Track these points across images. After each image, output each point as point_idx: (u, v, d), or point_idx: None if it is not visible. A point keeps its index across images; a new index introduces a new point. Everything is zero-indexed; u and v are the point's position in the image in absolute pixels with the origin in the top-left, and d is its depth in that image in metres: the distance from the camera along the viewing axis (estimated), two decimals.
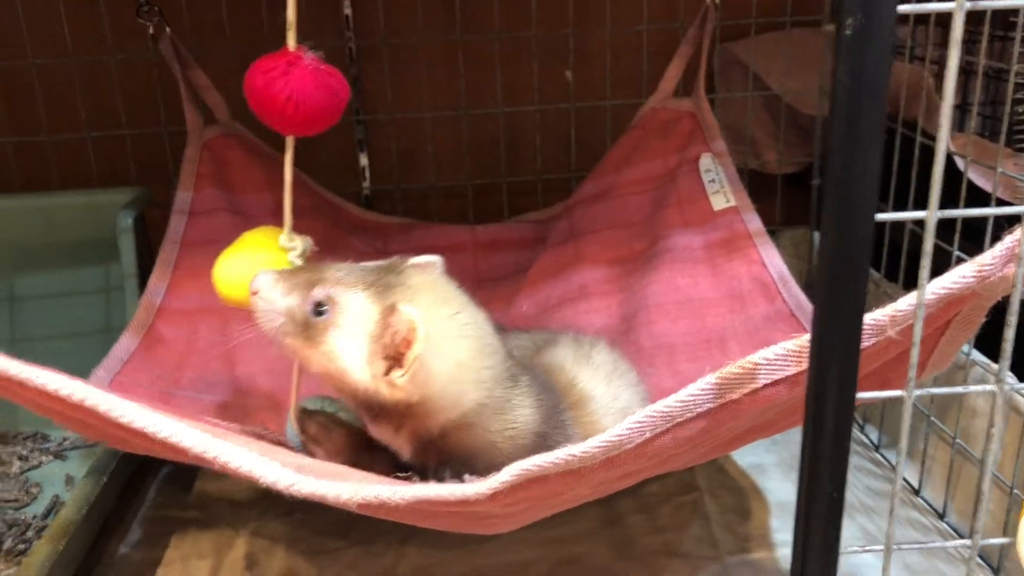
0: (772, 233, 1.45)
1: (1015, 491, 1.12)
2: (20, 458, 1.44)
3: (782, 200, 1.78)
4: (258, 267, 0.96)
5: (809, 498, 0.57)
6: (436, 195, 1.82)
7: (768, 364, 0.72)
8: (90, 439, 1.05)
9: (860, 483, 1.36)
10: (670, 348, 1.31)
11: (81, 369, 0.80)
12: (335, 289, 0.92)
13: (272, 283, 0.93)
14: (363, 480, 0.79)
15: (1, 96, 1.72)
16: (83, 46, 1.64)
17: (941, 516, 1.27)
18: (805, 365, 0.71)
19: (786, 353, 0.72)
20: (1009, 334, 0.65)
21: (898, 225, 1.36)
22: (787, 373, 0.73)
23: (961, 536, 1.22)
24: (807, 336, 0.73)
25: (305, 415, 1.06)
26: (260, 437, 1.02)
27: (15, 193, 1.61)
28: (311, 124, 0.94)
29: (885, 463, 1.41)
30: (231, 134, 1.49)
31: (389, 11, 1.71)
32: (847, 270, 0.53)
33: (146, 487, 1.42)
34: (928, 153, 1.29)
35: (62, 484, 1.41)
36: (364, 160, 1.82)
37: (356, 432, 1.04)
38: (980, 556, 1.18)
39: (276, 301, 0.93)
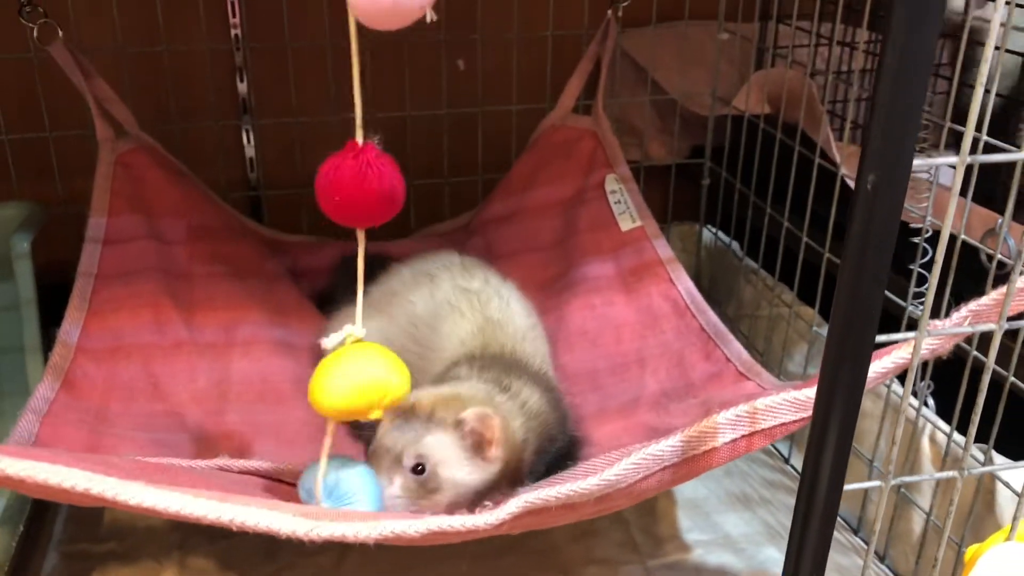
0: (661, 228, 1.51)
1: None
2: None
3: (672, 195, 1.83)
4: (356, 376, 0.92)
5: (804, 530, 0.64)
6: None
7: (727, 424, 0.84)
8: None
9: (757, 475, 1.48)
10: (593, 371, 1.37)
11: None
12: (415, 447, 1.00)
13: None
14: (375, 518, 0.83)
15: None
16: None
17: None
18: (761, 426, 0.82)
19: (741, 415, 0.85)
20: None
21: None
22: (742, 433, 0.84)
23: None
24: (758, 401, 0.83)
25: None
26: (225, 470, 1.02)
27: None
28: (396, 208, 0.94)
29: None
30: (144, 147, 1.41)
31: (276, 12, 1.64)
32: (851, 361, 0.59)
33: (51, 519, 1.36)
34: (805, 160, 1.41)
35: None
36: (252, 168, 1.76)
37: None
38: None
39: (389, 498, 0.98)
